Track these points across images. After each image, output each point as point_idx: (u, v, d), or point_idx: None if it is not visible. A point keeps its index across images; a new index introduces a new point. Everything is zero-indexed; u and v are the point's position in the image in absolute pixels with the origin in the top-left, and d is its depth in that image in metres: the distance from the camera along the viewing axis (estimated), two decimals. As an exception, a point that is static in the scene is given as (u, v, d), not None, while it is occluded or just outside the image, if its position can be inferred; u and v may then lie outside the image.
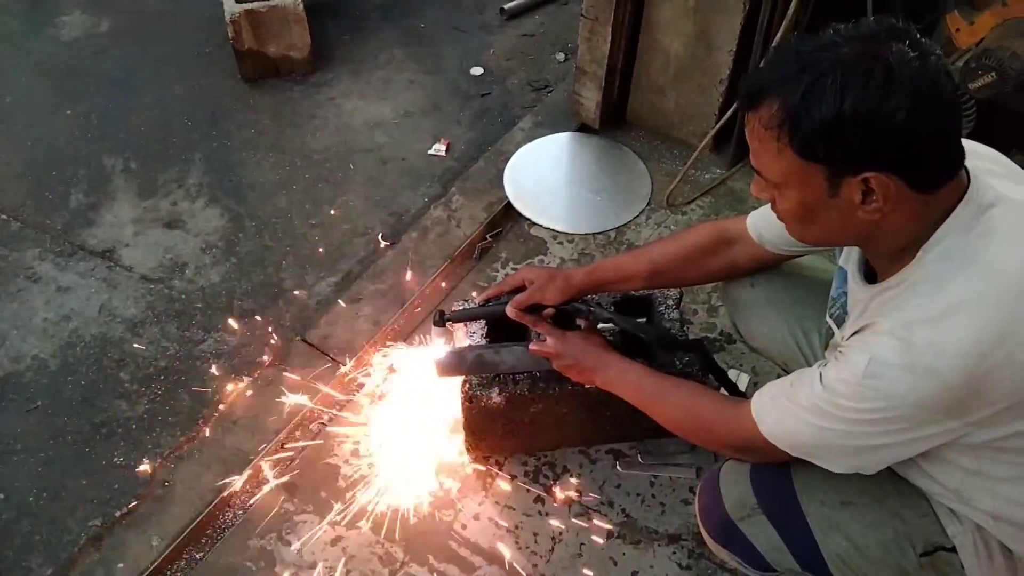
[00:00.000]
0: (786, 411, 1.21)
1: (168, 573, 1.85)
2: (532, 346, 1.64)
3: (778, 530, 1.33)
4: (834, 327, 1.35)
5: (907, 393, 1.07)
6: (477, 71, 3.28)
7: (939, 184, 1.07)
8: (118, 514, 1.93)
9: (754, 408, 1.26)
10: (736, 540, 1.37)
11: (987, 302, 1.04)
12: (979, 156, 1.16)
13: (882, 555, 1.27)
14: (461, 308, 1.85)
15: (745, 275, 1.65)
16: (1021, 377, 1.05)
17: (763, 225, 1.51)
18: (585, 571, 1.85)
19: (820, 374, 1.16)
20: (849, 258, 1.29)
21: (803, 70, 1.04)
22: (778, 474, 1.33)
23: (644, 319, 1.90)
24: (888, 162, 1.03)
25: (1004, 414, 1.07)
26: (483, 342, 1.85)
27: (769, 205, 1.22)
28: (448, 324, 1.75)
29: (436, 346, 1.78)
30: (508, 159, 2.79)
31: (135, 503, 1.94)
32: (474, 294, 1.91)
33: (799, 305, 1.59)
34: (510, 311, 1.63)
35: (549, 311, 1.64)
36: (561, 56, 3.34)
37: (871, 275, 1.22)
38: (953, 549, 1.25)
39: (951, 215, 1.09)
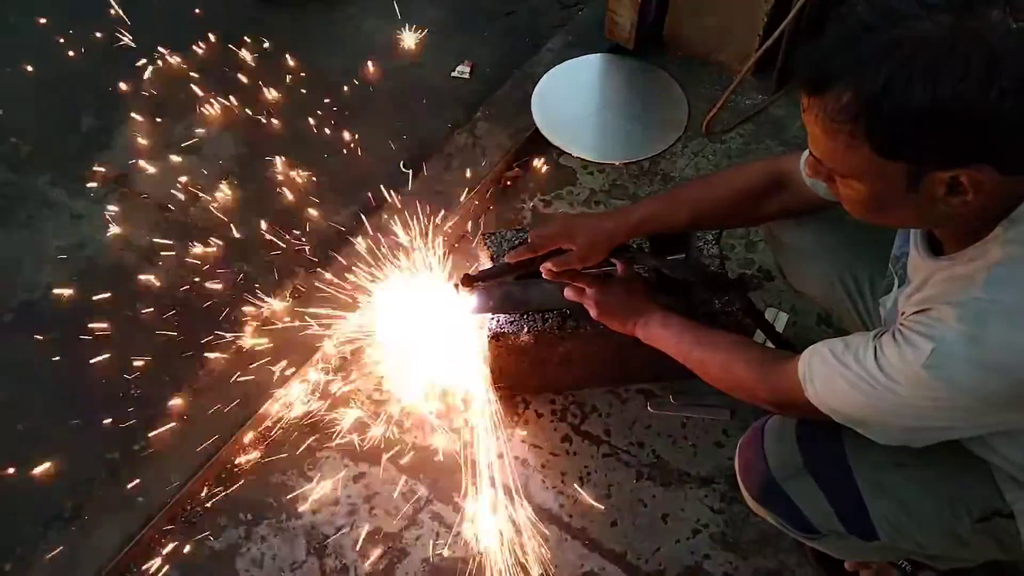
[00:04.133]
0: (835, 380, 1.11)
1: (188, 508, 1.84)
2: (568, 293, 1.57)
3: (825, 492, 1.26)
4: (896, 283, 1.24)
5: (971, 388, 0.97)
6: (503, -14, 3.09)
7: None
8: (137, 447, 1.91)
9: (801, 369, 1.16)
10: (779, 500, 1.30)
11: None
12: None
13: (935, 519, 1.21)
14: (491, 260, 1.80)
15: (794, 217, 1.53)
16: None
17: None
18: (614, 513, 1.82)
19: (875, 348, 1.05)
20: None
21: (882, 53, 0.88)
22: (827, 433, 1.25)
23: (683, 255, 1.81)
24: (984, 155, 0.89)
25: None
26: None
27: None
28: (475, 285, 1.64)
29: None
30: (536, 82, 2.65)
31: (154, 435, 1.92)
32: (504, 237, 1.82)
33: (849, 250, 1.48)
34: (547, 273, 1.55)
35: None
36: (594, -31, 3.14)
37: (935, 243, 1.10)
38: (1011, 515, 1.18)
39: None
